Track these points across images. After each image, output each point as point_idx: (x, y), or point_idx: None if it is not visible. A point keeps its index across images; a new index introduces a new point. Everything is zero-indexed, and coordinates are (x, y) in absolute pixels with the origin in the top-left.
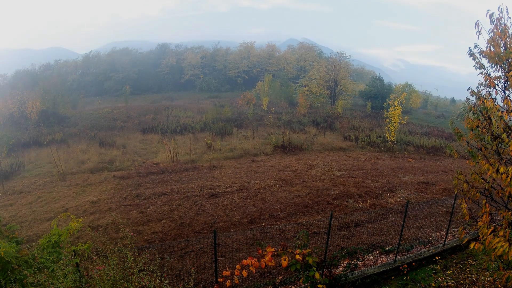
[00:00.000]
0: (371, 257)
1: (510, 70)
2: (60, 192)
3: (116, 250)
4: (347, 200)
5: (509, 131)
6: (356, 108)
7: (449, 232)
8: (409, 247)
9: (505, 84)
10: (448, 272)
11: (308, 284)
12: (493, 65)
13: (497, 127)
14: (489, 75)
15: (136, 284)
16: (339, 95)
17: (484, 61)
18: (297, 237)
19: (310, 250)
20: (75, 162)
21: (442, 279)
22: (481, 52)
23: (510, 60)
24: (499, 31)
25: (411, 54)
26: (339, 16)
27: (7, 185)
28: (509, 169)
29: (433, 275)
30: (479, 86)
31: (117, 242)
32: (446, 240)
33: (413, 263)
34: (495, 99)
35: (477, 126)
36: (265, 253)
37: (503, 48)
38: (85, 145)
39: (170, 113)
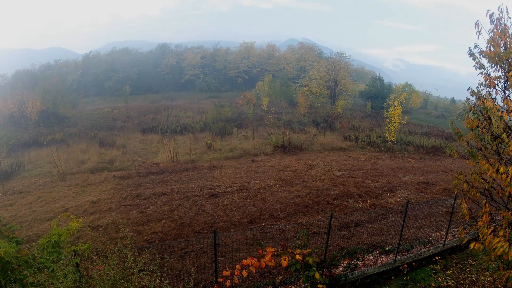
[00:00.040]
0: (371, 257)
1: (510, 70)
2: (60, 192)
3: (116, 250)
4: (347, 200)
5: (509, 131)
6: (356, 108)
7: (449, 232)
8: (409, 247)
9: (505, 84)
10: (448, 272)
11: (308, 284)
12: (493, 65)
13: (497, 127)
14: (489, 75)
15: (136, 284)
16: (339, 95)
17: (484, 61)
18: (297, 237)
19: (310, 250)
20: (75, 162)
21: (442, 279)
22: (481, 52)
23: (510, 60)
24: (499, 31)
25: (411, 54)
26: (339, 16)
27: (7, 185)
28: (509, 169)
29: (433, 275)
30: (479, 86)
31: (117, 242)
32: (446, 240)
33: (413, 263)
34: (495, 99)
35: (477, 126)
36: (265, 253)
37: (503, 48)
38: (85, 145)
39: (170, 113)
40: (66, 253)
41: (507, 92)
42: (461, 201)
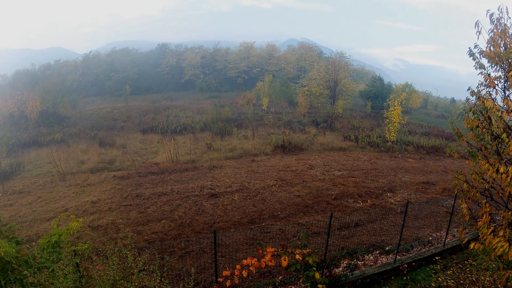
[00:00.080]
0: (371, 257)
1: (510, 70)
2: (60, 192)
3: (116, 250)
4: (347, 200)
5: (509, 131)
6: (356, 108)
7: (449, 232)
8: (409, 247)
9: (505, 84)
10: (448, 272)
11: (308, 284)
12: (493, 65)
13: (497, 127)
14: (489, 75)
15: (136, 284)
16: (339, 95)
17: (484, 61)
18: (297, 237)
19: (310, 250)
20: (75, 162)
21: (442, 279)
22: (481, 52)
23: (510, 60)
24: (499, 31)
25: (411, 54)
26: (339, 16)
27: (7, 185)
28: (509, 169)
29: (433, 275)
30: (479, 86)
31: (117, 242)
32: (446, 240)
33: (413, 263)
34: (495, 99)
35: (477, 126)
36: (265, 253)
37: (503, 48)
38: (85, 145)
39: (170, 113)
40: (66, 253)
41: (507, 92)
42: (461, 201)
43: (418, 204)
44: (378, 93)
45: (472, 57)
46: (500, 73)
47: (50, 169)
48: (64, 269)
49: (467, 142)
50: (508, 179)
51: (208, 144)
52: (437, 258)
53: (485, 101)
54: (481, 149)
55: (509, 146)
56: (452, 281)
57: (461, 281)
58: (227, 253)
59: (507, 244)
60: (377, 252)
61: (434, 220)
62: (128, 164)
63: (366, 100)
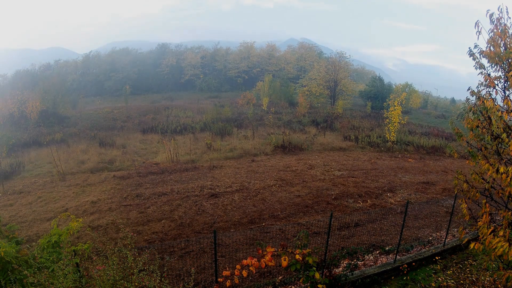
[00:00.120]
0: (371, 257)
1: (510, 70)
2: (60, 192)
3: (116, 250)
4: (347, 200)
5: (509, 131)
6: (356, 108)
7: (449, 232)
8: (409, 247)
9: (505, 84)
10: (448, 272)
11: (308, 284)
12: (493, 65)
13: (497, 127)
14: (489, 75)
15: (136, 284)
16: (339, 95)
17: (484, 61)
18: (297, 237)
19: (310, 250)
20: (75, 162)
21: (442, 279)
22: (481, 52)
23: (510, 60)
24: (499, 31)
25: (411, 54)
26: (339, 16)
27: (7, 185)
28: (509, 169)
29: (433, 275)
30: (479, 86)
31: (117, 242)
32: (446, 240)
33: (413, 263)
34: (495, 99)
35: (477, 126)
36: (265, 253)
37: (503, 48)
38: (85, 145)
39: (170, 113)
40: (66, 253)
41: (507, 92)
42: (461, 201)
43: (418, 204)
44: (378, 93)
45: (472, 57)
46: (500, 73)
47: (50, 169)
48: (64, 269)
49: (467, 142)
50: (508, 179)
51: (208, 144)
52: (437, 258)
53: (485, 101)
54: (481, 149)
55: (509, 146)
56: (452, 281)
57: (461, 281)
58: (227, 253)
59: (507, 244)
60: (377, 252)
61: (434, 220)
62: (128, 164)
63: (366, 100)
